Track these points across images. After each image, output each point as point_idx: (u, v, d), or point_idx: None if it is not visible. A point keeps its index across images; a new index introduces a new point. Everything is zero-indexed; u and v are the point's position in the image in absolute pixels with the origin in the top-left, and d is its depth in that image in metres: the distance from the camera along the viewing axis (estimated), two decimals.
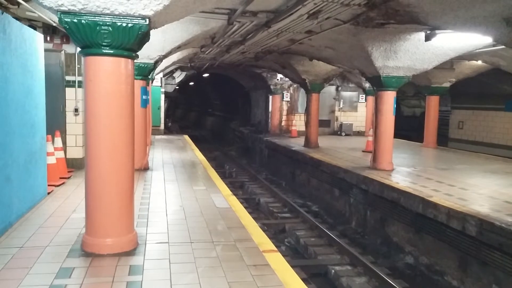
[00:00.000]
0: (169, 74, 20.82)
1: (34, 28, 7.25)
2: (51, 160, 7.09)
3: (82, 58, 4.20)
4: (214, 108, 37.46)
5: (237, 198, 6.80)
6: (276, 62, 14.95)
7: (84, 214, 4.24)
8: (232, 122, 27.45)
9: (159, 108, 18.48)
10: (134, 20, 3.87)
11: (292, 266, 4.12)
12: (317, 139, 14.78)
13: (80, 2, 3.67)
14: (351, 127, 19.67)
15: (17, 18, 6.20)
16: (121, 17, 3.82)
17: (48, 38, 8.13)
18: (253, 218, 5.71)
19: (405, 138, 17.83)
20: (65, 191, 6.72)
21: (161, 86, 18.60)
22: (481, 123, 17.22)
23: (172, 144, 14.43)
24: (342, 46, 9.83)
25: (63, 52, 8.39)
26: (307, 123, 14.94)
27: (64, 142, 8.15)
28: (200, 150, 13.15)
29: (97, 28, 3.80)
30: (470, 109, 17.72)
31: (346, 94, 20.06)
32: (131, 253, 4.17)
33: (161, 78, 18.45)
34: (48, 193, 6.46)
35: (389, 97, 9.84)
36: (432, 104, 14.96)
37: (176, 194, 6.82)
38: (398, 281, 6.63)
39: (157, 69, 11.42)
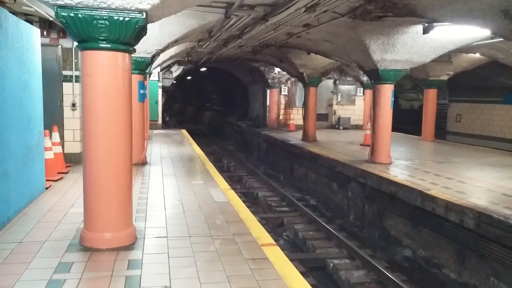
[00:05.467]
0: (167, 68, 20.76)
1: (31, 22, 7.21)
2: (49, 155, 7.07)
3: (79, 53, 4.18)
4: (211, 102, 37.41)
5: (235, 192, 6.80)
6: (273, 56, 14.92)
7: (83, 209, 4.23)
8: (230, 116, 27.42)
9: (156, 102, 18.44)
10: (131, 14, 3.84)
11: (291, 260, 4.12)
12: (315, 133, 14.79)
13: None
14: (349, 121, 19.68)
15: (14, 13, 6.16)
16: (118, 11, 3.80)
17: (45, 33, 8.09)
18: (251, 212, 5.71)
19: (403, 131, 17.84)
20: (63, 186, 6.71)
21: (158, 81, 18.56)
22: (479, 116, 17.23)
23: (170, 139, 14.42)
24: (339, 39, 9.81)
25: (60, 46, 8.35)
26: (305, 117, 14.95)
27: (61, 137, 8.14)
28: (198, 145, 13.15)
29: (94, 22, 3.78)
30: (468, 102, 17.72)
31: (344, 87, 20.05)
32: (129, 247, 4.17)
33: (158, 72, 18.41)
34: (46, 188, 6.45)
35: (387, 90, 9.84)
36: (430, 97, 14.96)
37: (174, 189, 6.82)
38: (396, 274, 6.65)
39: (154, 63, 11.38)
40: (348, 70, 18.57)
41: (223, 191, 6.69)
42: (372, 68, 9.77)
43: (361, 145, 13.54)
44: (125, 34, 3.90)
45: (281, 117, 20.12)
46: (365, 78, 18.19)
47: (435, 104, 15.12)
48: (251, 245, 4.35)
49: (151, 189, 6.72)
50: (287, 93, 20.03)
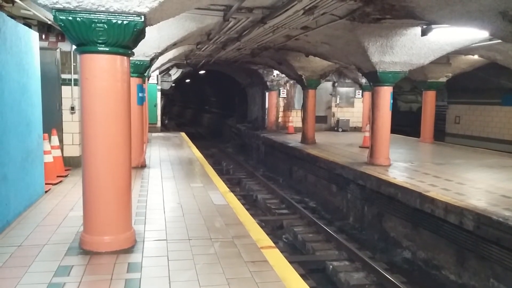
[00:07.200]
0: (165, 72, 20.78)
1: (29, 26, 7.22)
2: (48, 158, 7.07)
3: (78, 56, 4.18)
4: (210, 105, 37.41)
5: (235, 195, 6.80)
6: (272, 58, 14.93)
7: (82, 212, 4.23)
8: (228, 119, 27.43)
9: (155, 105, 18.44)
10: (129, 17, 3.85)
11: (290, 262, 4.13)
12: (314, 135, 14.79)
13: (75, 0, 3.65)
14: (348, 123, 19.69)
15: (12, 16, 6.16)
16: (116, 14, 3.81)
17: (43, 36, 8.09)
18: (250, 214, 5.71)
19: (402, 133, 17.86)
20: (63, 190, 6.71)
21: (157, 84, 18.56)
22: (477, 117, 17.26)
23: (169, 142, 14.41)
24: (338, 41, 9.82)
25: (58, 50, 8.35)
26: (303, 119, 14.96)
27: (60, 141, 8.13)
28: (197, 147, 13.14)
29: (92, 25, 3.78)
30: (467, 104, 17.76)
31: (342, 90, 20.06)
32: (129, 250, 4.16)
33: (157, 75, 18.42)
34: (46, 192, 6.45)
35: (386, 93, 9.85)
36: (429, 99, 14.98)
37: (173, 192, 6.82)
38: (396, 276, 6.65)
39: (153, 66, 11.39)
40: (347, 72, 18.59)
41: (222, 194, 6.69)
42: (370, 70, 9.79)
43: (360, 147, 13.54)
44: (124, 37, 3.90)
45: (280, 119, 20.14)
46: (363, 80, 18.21)
47: (434, 106, 15.14)
48: (250, 247, 4.35)
49: (150, 192, 6.71)
50: (286, 96, 20.05)
